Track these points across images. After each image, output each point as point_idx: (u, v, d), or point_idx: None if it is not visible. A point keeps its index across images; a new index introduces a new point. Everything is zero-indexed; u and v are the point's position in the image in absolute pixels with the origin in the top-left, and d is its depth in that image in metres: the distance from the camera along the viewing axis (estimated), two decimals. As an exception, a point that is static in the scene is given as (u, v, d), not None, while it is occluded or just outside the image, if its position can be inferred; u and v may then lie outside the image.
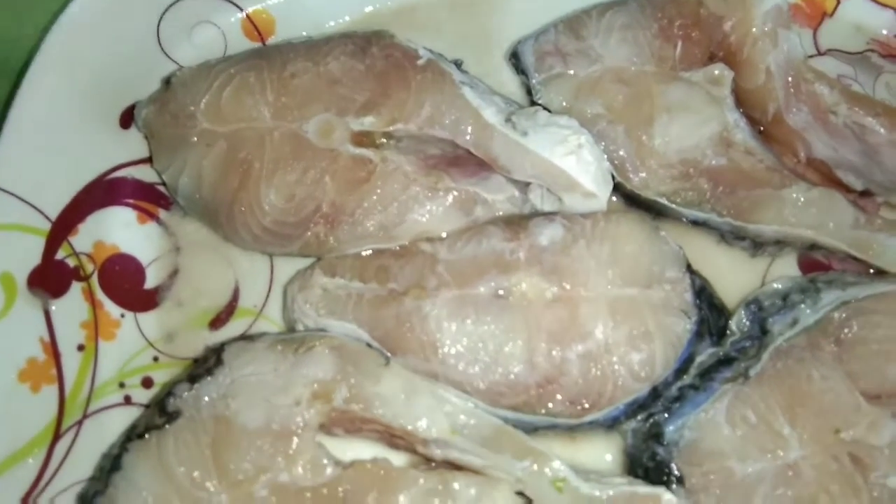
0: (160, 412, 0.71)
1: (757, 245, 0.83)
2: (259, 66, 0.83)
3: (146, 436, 0.70)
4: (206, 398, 0.71)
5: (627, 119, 0.81)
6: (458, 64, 0.86)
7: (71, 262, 0.81)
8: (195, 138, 0.82)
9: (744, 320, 0.78)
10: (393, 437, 0.75)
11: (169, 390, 0.72)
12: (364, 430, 0.74)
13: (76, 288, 0.81)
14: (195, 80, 0.83)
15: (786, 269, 0.85)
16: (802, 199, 0.79)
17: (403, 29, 0.90)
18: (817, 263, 0.84)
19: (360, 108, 0.82)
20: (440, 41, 0.92)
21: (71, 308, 0.80)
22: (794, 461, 0.72)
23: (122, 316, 0.82)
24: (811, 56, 0.92)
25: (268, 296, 0.85)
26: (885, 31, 0.92)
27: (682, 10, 0.84)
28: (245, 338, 0.77)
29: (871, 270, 0.81)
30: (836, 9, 0.93)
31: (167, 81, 0.84)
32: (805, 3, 0.93)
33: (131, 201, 0.85)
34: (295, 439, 0.70)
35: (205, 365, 0.73)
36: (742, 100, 0.85)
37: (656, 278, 0.75)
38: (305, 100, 0.82)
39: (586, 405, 0.74)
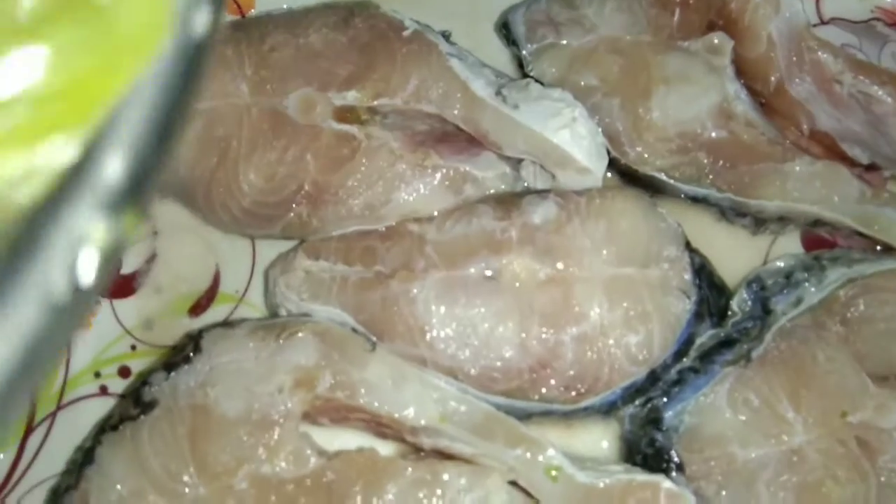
0: (135, 402, 0.68)
1: (759, 222, 0.79)
2: (236, 38, 0.79)
3: (120, 427, 0.67)
4: (184, 387, 0.68)
5: (623, 91, 0.77)
6: (445, 35, 0.83)
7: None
8: (170, 116, 0.78)
9: (745, 300, 0.75)
10: (380, 426, 0.71)
11: (144, 379, 0.69)
12: (350, 418, 0.71)
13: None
14: (169, 54, 0.79)
15: (789, 246, 0.82)
16: (806, 173, 0.76)
17: (387, 1, 0.87)
18: (822, 240, 0.81)
19: (343, 83, 0.78)
20: (427, 12, 0.87)
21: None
22: (798, 446, 0.69)
23: (98, 303, 0.79)
24: (814, 25, 0.88)
25: (250, 280, 0.82)
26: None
27: (680, -23, 0.80)
28: (225, 324, 0.74)
29: (878, 247, 0.78)
30: (839, -25, 0.89)
31: (140, 56, 0.81)
32: (807, -31, 0.90)
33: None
34: (277, 429, 0.67)
35: (182, 353, 0.69)
36: (743, 70, 0.82)
37: (654, 257, 0.72)
38: (285, 74, 0.78)
39: (582, 390, 0.71)
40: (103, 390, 0.76)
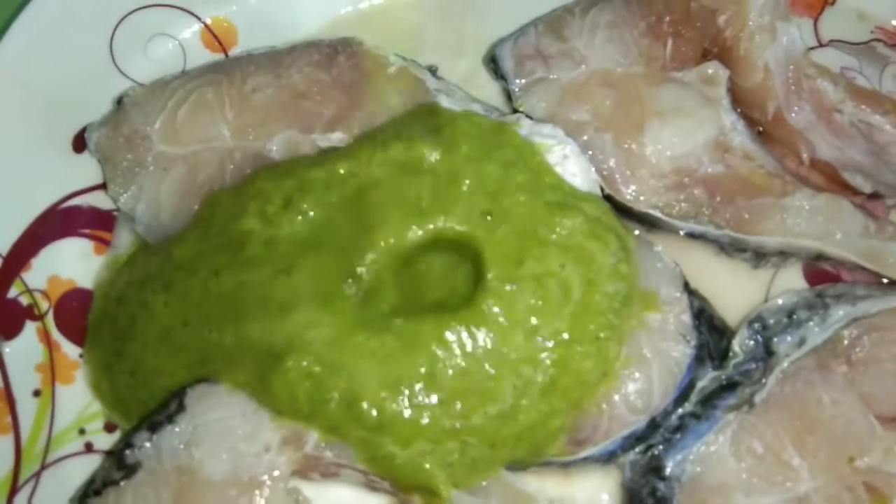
0: (118, 466, 0.66)
1: (759, 256, 0.77)
2: (217, 80, 0.77)
3: (103, 492, 0.65)
4: (168, 448, 0.66)
5: (616, 126, 0.75)
6: (432, 70, 0.81)
7: (24, 300, 0.76)
8: (151, 162, 0.76)
9: (747, 340, 0.72)
10: (371, 480, 0.69)
11: (127, 440, 0.67)
12: (340, 473, 0.69)
13: (30, 328, 0.75)
14: (148, 99, 0.77)
15: (791, 280, 0.79)
16: (807, 207, 0.73)
17: (374, 34, 0.84)
18: (825, 274, 0.78)
19: (328, 123, 0.76)
20: (414, 46, 0.86)
21: (25, 350, 0.75)
22: (805, 493, 0.67)
23: (81, 356, 0.77)
24: (812, 48, 0.86)
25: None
26: (891, 20, 0.86)
27: (672, 5, 0.78)
28: (209, 380, 0.71)
29: (884, 280, 0.75)
30: (837, -5, 0.87)
31: (119, 102, 0.79)
32: (805, -9, 0.87)
33: (87, 231, 0.79)
34: (266, 489, 0.65)
35: (165, 411, 0.67)
36: (740, 99, 0.79)
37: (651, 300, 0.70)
38: (268, 116, 0.76)
39: (580, 440, 0.68)
40: (88, 447, 0.74)
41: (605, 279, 0.69)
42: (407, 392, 0.65)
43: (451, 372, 0.66)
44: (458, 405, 0.66)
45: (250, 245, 0.69)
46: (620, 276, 0.69)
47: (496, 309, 0.67)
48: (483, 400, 0.66)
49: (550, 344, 0.67)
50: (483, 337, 0.66)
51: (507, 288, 0.67)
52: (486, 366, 0.66)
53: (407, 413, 0.65)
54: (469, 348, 0.66)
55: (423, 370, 0.66)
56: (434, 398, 0.66)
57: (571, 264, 0.68)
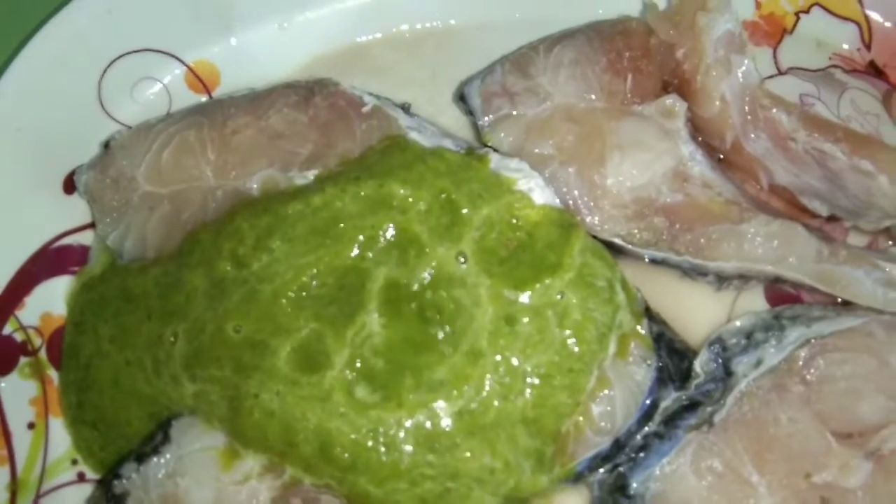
0: (106, 496, 0.69)
1: (721, 279, 0.80)
2: (199, 123, 0.81)
3: (93, 522, 0.69)
4: (154, 478, 0.69)
5: (579, 159, 0.78)
6: (405, 108, 0.84)
7: (18, 337, 0.79)
8: (137, 202, 0.80)
9: (708, 362, 0.75)
10: None
11: (116, 471, 0.70)
12: (321, 499, 0.72)
13: (24, 364, 0.79)
14: (134, 142, 0.81)
15: (753, 301, 0.82)
16: (762, 233, 0.76)
17: (352, 73, 0.89)
18: (786, 295, 0.81)
19: (305, 162, 0.80)
20: (390, 83, 0.90)
21: (20, 385, 0.78)
22: (764, 509, 0.70)
23: (74, 388, 0.80)
24: (772, 76, 0.89)
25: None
26: (847, 46, 0.89)
27: (631, 42, 0.81)
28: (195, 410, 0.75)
29: (840, 300, 0.78)
30: (795, 25, 0.90)
31: (106, 145, 0.82)
32: (763, 21, 0.91)
33: (78, 269, 0.83)
34: (247, 516, 0.69)
35: (151, 443, 0.71)
36: (700, 128, 0.83)
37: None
38: (248, 156, 0.80)
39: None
40: (81, 477, 0.78)
41: (597, 310, 0.72)
42: (383, 438, 0.68)
43: (429, 424, 0.68)
44: (437, 450, 0.69)
45: (228, 286, 0.73)
46: (614, 305, 0.73)
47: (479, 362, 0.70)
48: (463, 445, 0.69)
49: (533, 381, 0.70)
50: (467, 389, 0.69)
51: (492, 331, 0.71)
52: (469, 409, 0.69)
53: (383, 457, 0.68)
54: (450, 402, 0.69)
55: (403, 421, 0.68)
56: (411, 446, 0.68)
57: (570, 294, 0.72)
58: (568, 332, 0.71)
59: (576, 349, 0.71)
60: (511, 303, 0.72)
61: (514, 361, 0.70)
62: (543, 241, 0.73)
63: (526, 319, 0.71)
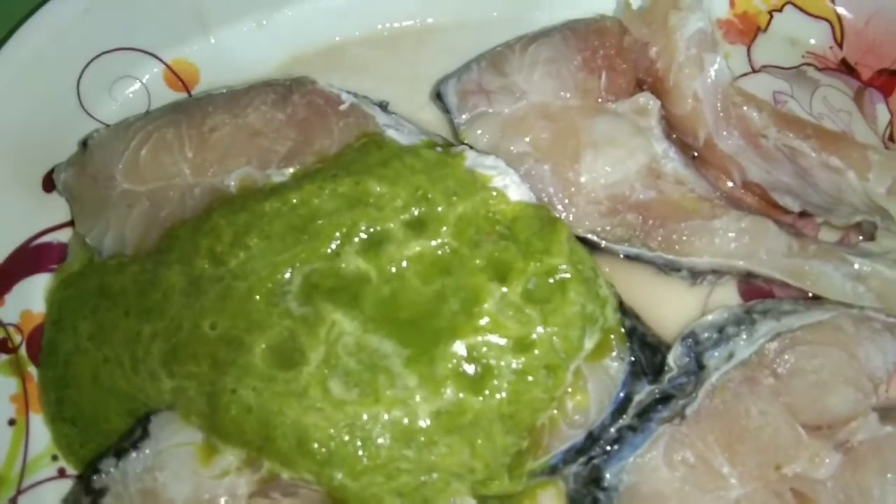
0: (86, 490, 0.70)
1: (695, 274, 0.81)
2: (177, 121, 0.82)
3: (72, 516, 0.69)
4: (133, 472, 0.70)
5: (554, 156, 0.79)
6: (383, 106, 0.85)
7: (-2, 335, 0.80)
8: (116, 199, 0.80)
9: (681, 355, 0.76)
10: (333, 499, 0.73)
11: (95, 466, 0.71)
12: (299, 494, 0.73)
13: (4, 361, 0.79)
14: (112, 140, 0.82)
15: (727, 295, 0.83)
16: (734, 229, 0.77)
17: (330, 71, 0.89)
18: (758, 290, 0.83)
19: (283, 160, 0.80)
20: (368, 81, 0.90)
21: (0, 382, 0.79)
22: (735, 500, 0.71)
23: (53, 386, 0.81)
24: (745, 74, 0.91)
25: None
26: (819, 44, 0.90)
27: (606, 40, 0.82)
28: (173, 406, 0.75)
29: (811, 295, 0.80)
30: (769, 23, 0.91)
31: (84, 143, 0.83)
32: (738, 19, 0.92)
33: (57, 267, 0.83)
34: (225, 510, 0.69)
35: (130, 438, 0.71)
36: (673, 125, 0.84)
37: (587, 321, 0.74)
38: (225, 154, 0.80)
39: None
40: (61, 473, 0.78)
41: (586, 304, 0.73)
42: (359, 433, 0.68)
43: (406, 420, 0.69)
44: (414, 446, 0.69)
45: (204, 284, 0.74)
46: (602, 299, 0.74)
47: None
48: (440, 439, 0.70)
49: (512, 378, 0.71)
50: (444, 388, 0.70)
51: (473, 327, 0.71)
52: (447, 408, 0.70)
53: (360, 452, 0.68)
54: (428, 400, 0.69)
55: (380, 416, 0.69)
56: (388, 441, 0.69)
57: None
58: (552, 327, 0.72)
59: (558, 344, 0.72)
60: (494, 296, 0.72)
61: (495, 359, 0.71)
62: (526, 232, 0.74)
63: (510, 313, 0.71)
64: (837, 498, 0.71)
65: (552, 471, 0.74)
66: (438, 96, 0.85)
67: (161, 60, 0.89)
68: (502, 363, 0.71)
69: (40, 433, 0.79)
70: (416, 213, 0.74)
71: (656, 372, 0.76)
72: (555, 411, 0.72)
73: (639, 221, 0.78)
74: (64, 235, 0.85)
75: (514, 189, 0.77)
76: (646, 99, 0.81)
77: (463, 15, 0.92)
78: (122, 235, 0.80)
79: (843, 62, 0.90)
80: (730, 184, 0.84)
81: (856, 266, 0.76)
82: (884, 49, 0.87)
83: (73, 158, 0.83)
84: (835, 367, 0.73)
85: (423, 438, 0.70)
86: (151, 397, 0.73)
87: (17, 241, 0.82)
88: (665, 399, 0.75)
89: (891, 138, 0.87)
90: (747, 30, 0.92)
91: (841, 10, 0.89)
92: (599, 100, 0.81)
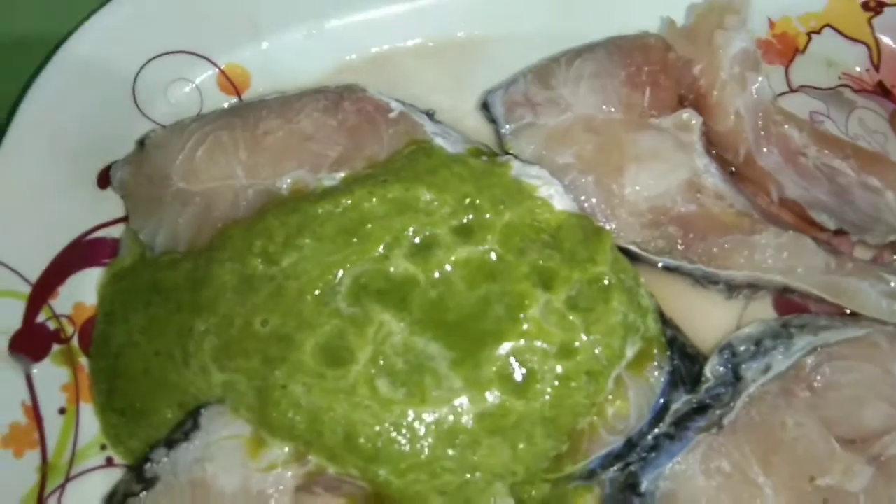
0: (138, 479, 0.72)
1: (731, 288, 0.83)
2: (232, 124, 0.84)
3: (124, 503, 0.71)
4: (183, 463, 0.72)
5: (597, 168, 0.82)
6: (430, 114, 0.87)
7: (51, 325, 0.82)
8: (170, 198, 0.83)
9: (717, 366, 0.78)
10: (376, 495, 0.75)
11: (147, 456, 0.73)
12: (342, 488, 0.75)
13: (57, 351, 0.82)
14: (169, 140, 0.84)
15: (762, 309, 0.85)
16: (773, 245, 0.79)
17: (377, 80, 0.91)
18: (793, 304, 0.84)
19: (333, 164, 0.83)
20: (413, 88, 0.93)
21: (52, 371, 0.80)
22: (769, 510, 0.73)
23: (103, 377, 0.83)
24: (783, 93, 0.93)
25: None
26: (857, 67, 0.92)
27: (650, 57, 0.85)
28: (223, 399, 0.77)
29: (848, 310, 0.81)
30: (807, 45, 0.93)
31: (141, 143, 0.85)
32: (776, 40, 0.94)
33: (110, 261, 0.86)
34: (272, 502, 0.71)
35: (181, 429, 0.73)
36: (714, 141, 0.86)
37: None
38: (278, 157, 0.83)
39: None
40: (109, 461, 0.80)
41: (629, 313, 0.75)
42: (405, 431, 0.70)
43: (451, 420, 0.71)
44: (458, 446, 0.71)
45: (257, 283, 0.76)
46: (644, 308, 0.76)
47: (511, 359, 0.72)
48: (483, 441, 0.72)
49: (556, 384, 0.72)
50: (489, 392, 0.72)
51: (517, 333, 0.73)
52: (491, 411, 0.72)
53: (405, 449, 0.70)
54: (473, 402, 0.71)
55: (426, 416, 0.71)
56: (433, 440, 0.71)
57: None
58: (595, 335, 0.73)
59: (600, 352, 0.73)
60: (538, 303, 0.74)
61: (538, 364, 0.72)
62: (570, 240, 0.76)
63: (554, 320, 0.73)
64: (870, 511, 0.72)
65: (589, 475, 0.76)
66: (485, 106, 0.87)
67: (215, 64, 0.92)
68: (545, 368, 0.72)
69: (90, 423, 0.81)
70: (464, 220, 0.76)
71: (694, 382, 0.78)
72: (595, 417, 0.74)
73: (680, 234, 0.80)
74: (117, 231, 0.87)
75: (558, 199, 0.79)
76: (689, 115, 0.83)
77: (507, 29, 0.94)
78: (175, 233, 0.82)
79: (880, 84, 0.92)
80: (767, 200, 0.86)
81: (892, 284, 0.78)
82: (920, 73, 0.89)
83: (129, 157, 0.86)
84: (870, 382, 0.75)
85: (466, 439, 0.71)
86: (202, 391, 0.75)
87: (71, 236, 0.85)
88: (702, 409, 0.77)
89: (926, 160, 0.88)
90: (786, 50, 0.94)
91: (879, 34, 0.91)
92: (642, 115, 0.84)
